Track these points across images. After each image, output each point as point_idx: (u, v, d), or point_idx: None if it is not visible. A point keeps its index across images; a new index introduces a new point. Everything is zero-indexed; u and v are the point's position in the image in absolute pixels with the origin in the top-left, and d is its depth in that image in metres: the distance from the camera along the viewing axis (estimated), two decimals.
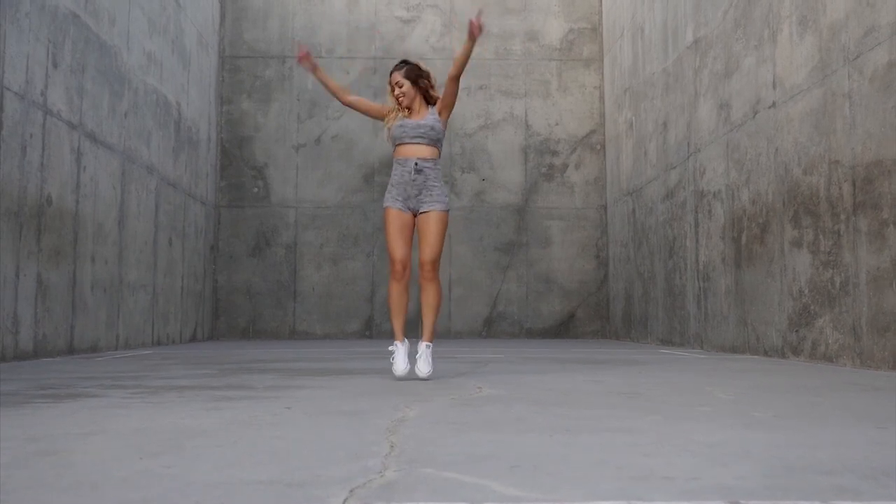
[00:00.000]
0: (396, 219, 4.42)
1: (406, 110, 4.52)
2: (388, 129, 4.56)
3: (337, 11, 13.20)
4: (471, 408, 3.03)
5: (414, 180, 4.40)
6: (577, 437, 2.27)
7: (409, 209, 4.44)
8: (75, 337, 7.66)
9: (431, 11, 13.24)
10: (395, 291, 4.43)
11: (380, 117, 4.66)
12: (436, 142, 4.49)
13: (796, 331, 6.40)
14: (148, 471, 1.78)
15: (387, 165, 12.84)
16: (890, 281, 5.13)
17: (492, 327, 12.73)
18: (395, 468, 1.77)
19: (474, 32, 4.45)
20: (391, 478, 1.66)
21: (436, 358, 6.70)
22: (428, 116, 4.52)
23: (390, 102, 4.59)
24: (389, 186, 4.51)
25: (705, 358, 6.84)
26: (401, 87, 4.50)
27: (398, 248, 4.38)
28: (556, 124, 13.08)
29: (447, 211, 4.48)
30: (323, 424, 2.56)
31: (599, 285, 12.82)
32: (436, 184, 4.44)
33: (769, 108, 6.94)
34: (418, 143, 4.43)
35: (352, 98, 4.77)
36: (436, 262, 4.41)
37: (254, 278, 12.69)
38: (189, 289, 11.35)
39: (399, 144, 4.48)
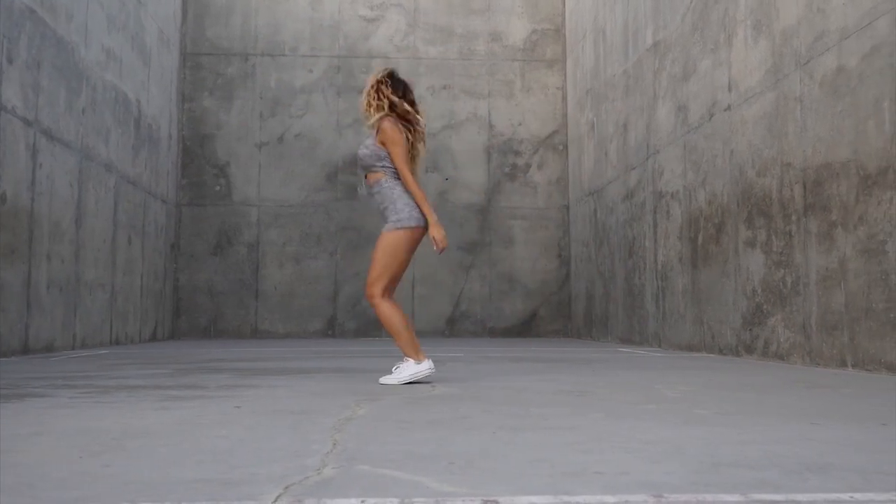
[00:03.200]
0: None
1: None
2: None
3: (300, 9, 13.15)
4: (420, 406, 3.06)
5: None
6: (519, 434, 2.30)
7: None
8: (30, 336, 7.55)
9: (395, 11, 13.24)
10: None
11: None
12: (369, 167, 4.22)
13: (749, 329, 6.52)
14: (86, 471, 1.78)
15: (349, 164, 12.81)
16: (838, 281, 5.25)
17: (455, 326, 12.77)
18: (333, 465, 1.79)
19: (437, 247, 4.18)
20: (328, 475, 1.68)
21: (394, 356, 6.72)
22: (367, 141, 4.30)
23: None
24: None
25: (661, 356, 6.94)
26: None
27: None
28: (520, 124, 13.16)
29: (394, 231, 4.11)
30: (270, 424, 2.57)
31: (561, 285, 12.92)
32: (385, 205, 4.19)
33: (725, 110, 7.06)
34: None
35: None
36: (370, 284, 4.11)
37: (215, 277, 12.59)
38: (149, 288, 11.23)
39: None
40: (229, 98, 12.90)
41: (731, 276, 6.87)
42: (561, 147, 13.14)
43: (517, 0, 13.40)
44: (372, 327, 12.64)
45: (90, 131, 9.06)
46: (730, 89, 6.97)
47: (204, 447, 2.10)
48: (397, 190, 4.17)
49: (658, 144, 8.74)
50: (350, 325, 12.62)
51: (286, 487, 1.55)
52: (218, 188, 12.76)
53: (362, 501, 1.45)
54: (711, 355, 7.03)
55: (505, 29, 13.34)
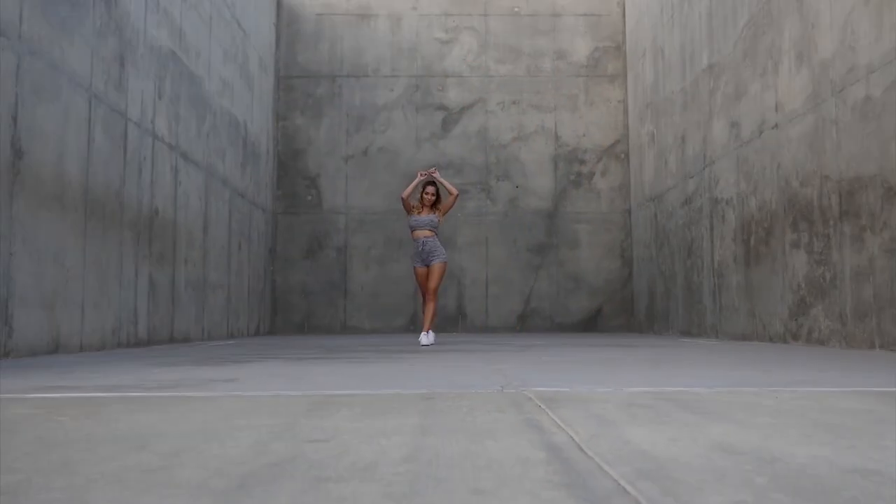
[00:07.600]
0: (419, 273, 8.12)
1: (421, 209, 8.16)
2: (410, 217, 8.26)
3: (381, 34, 14.46)
4: (546, 367, 4.23)
5: (422, 251, 8.02)
6: (616, 372, 3.46)
7: (424, 265, 8.03)
8: (175, 329, 8.93)
9: (468, 33, 14.46)
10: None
11: (407, 208, 8.24)
12: (434, 228, 8.09)
13: (795, 319, 7.54)
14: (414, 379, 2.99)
15: None
16: (868, 276, 6.26)
17: (525, 322, 13.92)
18: (511, 385, 2.97)
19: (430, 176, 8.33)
20: (516, 385, 2.86)
21: (489, 344, 7.90)
22: (430, 215, 8.13)
23: (416, 198, 8.55)
24: (413, 254, 8.18)
25: (718, 344, 7.98)
26: (432, 196, 8.18)
27: (422, 285, 8.14)
28: (584, 135, 14.26)
29: (445, 262, 8.06)
30: (451, 371, 3.76)
31: (624, 283, 13.98)
32: (436, 247, 8.02)
33: (772, 128, 8.09)
34: (424, 230, 8.07)
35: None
36: (435, 290, 8.01)
37: (308, 278, 13.96)
38: (253, 288, 12.63)
39: (414, 230, 8.12)
40: (318, 116, 14.26)
41: (779, 274, 7.89)
42: (622, 156, 14.20)
43: (580, 20, 14.51)
44: (448, 323, 13.87)
45: (212, 151, 10.45)
46: (776, 110, 8.00)
47: (434, 375, 3.29)
48: (439, 240, 8.23)
49: (713, 156, 9.77)
50: None
51: (502, 387, 2.73)
52: (309, 198, 14.13)
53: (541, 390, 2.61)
54: (762, 343, 8.05)
55: (569, 47, 14.45)
